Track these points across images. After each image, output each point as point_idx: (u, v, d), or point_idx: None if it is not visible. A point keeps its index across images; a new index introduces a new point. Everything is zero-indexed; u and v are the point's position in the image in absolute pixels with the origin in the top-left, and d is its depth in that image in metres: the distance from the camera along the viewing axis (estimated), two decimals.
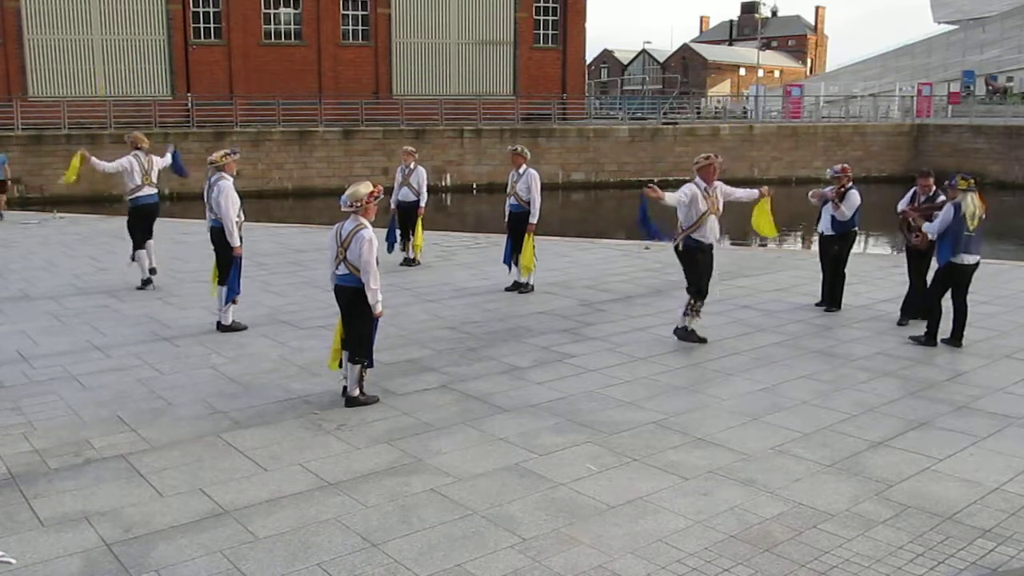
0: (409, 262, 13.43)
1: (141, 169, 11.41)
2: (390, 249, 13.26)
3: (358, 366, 7.03)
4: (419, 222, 13.41)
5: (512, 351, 8.71)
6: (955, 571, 4.56)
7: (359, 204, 6.77)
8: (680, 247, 8.93)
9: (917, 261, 9.86)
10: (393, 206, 13.37)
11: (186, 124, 34.07)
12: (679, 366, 8.22)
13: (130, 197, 11.52)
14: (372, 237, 6.79)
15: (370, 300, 6.86)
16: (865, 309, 10.45)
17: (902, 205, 9.93)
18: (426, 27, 42.72)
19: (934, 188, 9.73)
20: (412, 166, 13.36)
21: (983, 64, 63.19)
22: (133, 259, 11.76)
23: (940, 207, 9.32)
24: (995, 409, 7.01)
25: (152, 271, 11.79)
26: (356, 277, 6.82)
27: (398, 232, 13.44)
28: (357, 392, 7.07)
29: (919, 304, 9.65)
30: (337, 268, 6.92)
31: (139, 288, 11.61)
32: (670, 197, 8.65)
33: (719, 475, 5.73)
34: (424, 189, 13.35)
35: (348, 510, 5.20)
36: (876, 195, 15.05)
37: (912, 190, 9.93)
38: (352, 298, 6.91)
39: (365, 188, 6.83)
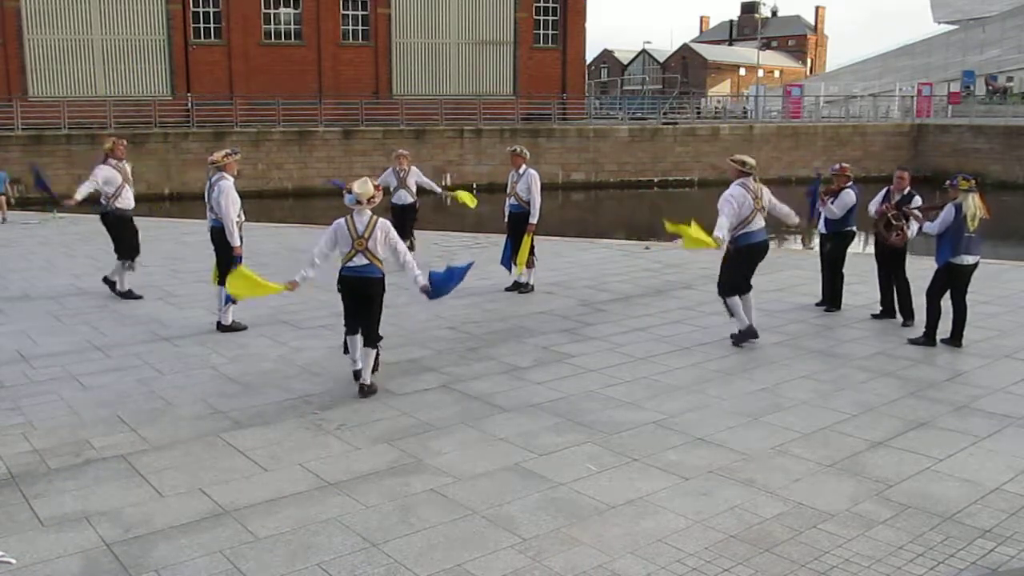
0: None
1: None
2: None
3: (375, 350, 7.35)
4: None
5: (512, 351, 8.71)
6: (955, 571, 4.56)
7: (372, 200, 7.18)
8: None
9: (895, 259, 9.80)
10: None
11: (186, 124, 34.09)
12: (679, 366, 8.21)
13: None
14: (388, 223, 7.32)
15: (415, 274, 7.35)
16: (865, 309, 10.44)
17: (874, 205, 9.88)
18: (426, 27, 42.73)
19: (909, 187, 9.70)
20: (407, 168, 13.39)
21: (983, 64, 63.20)
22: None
23: (929, 209, 9.31)
24: (995, 409, 7.01)
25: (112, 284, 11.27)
26: (376, 267, 7.20)
27: None
28: (370, 380, 7.34)
29: (910, 302, 9.68)
30: (351, 261, 7.20)
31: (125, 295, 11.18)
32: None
33: (719, 475, 5.73)
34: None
35: (348, 510, 5.20)
36: (876, 195, 15.07)
37: (886, 189, 9.90)
38: (372, 286, 7.26)
39: (371, 186, 7.22)
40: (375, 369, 7.41)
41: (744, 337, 8.91)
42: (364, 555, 4.69)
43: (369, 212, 7.20)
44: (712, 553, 4.72)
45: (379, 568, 4.56)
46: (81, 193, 10.97)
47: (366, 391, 7.29)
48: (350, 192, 7.14)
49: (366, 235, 7.13)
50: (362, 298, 7.29)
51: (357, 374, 7.44)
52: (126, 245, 11.10)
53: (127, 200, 11.09)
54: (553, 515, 5.15)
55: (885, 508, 5.26)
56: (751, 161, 8.97)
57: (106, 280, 11.29)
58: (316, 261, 7.38)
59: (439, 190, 13.78)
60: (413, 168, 13.50)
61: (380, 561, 4.62)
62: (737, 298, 8.90)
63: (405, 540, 4.85)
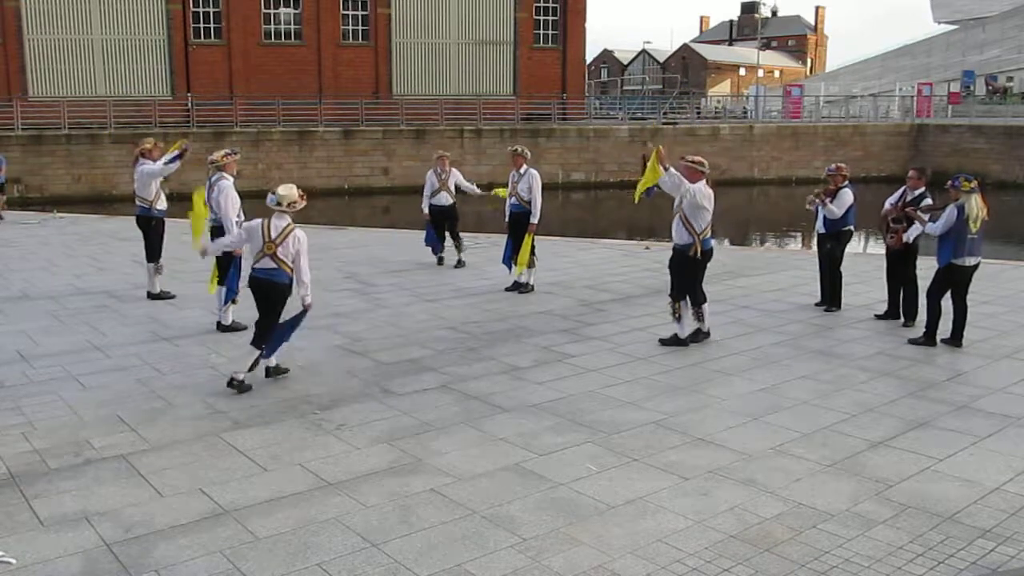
0: (459, 263, 13.51)
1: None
2: (435, 251, 13.68)
3: (259, 352, 7.42)
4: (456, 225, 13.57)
5: (512, 351, 8.70)
6: (955, 571, 4.56)
7: (292, 205, 7.26)
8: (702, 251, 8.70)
9: (903, 261, 9.75)
10: (426, 211, 13.47)
11: (186, 124, 34.07)
12: (679, 366, 8.21)
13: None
14: (304, 236, 7.33)
15: (303, 292, 7.31)
16: (865, 309, 10.45)
17: (888, 203, 9.84)
18: (426, 27, 42.72)
19: (923, 188, 9.63)
20: (448, 169, 13.41)
21: (983, 64, 63.19)
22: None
23: (930, 209, 9.29)
24: (995, 409, 7.01)
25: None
26: (282, 272, 7.24)
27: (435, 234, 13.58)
28: (243, 376, 7.37)
29: (915, 304, 9.67)
30: (259, 263, 7.29)
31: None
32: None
33: (719, 475, 5.73)
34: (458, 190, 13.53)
35: (348, 510, 5.20)
36: (876, 195, 15.10)
37: (902, 189, 9.87)
38: (276, 290, 7.31)
39: (296, 191, 7.34)
40: (251, 369, 7.44)
41: (685, 342, 8.86)
42: (364, 555, 4.69)
43: (288, 219, 7.24)
44: (712, 553, 4.72)
45: (379, 568, 4.56)
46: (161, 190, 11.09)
47: (234, 384, 7.34)
48: (273, 194, 7.30)
49: (277, 240, 7.18)
50: (265, 300, 7.37)
51: (268, 369, 7.61)
52: (158, 248, 11.14)
53: (164, 202, 11.18)
54: (553, 515, 5.15)
55: (885, 508, 5.26)
56: (706, 162, 8.82)
57: (156, 296, 11.12)
58: (232, 232, 7.68)
59: (478, 191, 13.62)
60: (453, 170, 13.57)
61: (380, 561, 4.62)
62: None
63: (405, 540, 4.85)
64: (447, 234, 13.53)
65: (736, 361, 8.37)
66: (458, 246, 13.54)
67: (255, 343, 7.41)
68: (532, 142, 32.52)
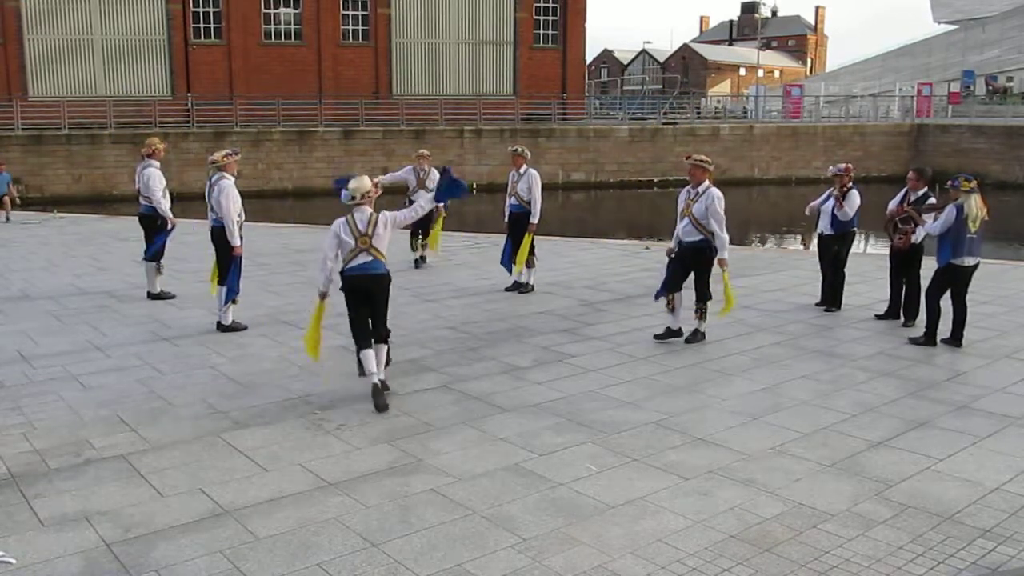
0: (419, 261, 13.46)
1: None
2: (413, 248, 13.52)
3: (387, 345, 7.25)
4: (439, 223, 13.39)
5: (512, 351, 8.71)
6: (955, 571, 4.56)
7: (367, 196, 6.97)
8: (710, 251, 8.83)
9: (908, 261, 9.77)
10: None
11: (186, 124, 34.08)
12: (679, 366, 8.21)
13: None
14: (389, 213, 7.18)
15: (422, 202, 7.43)
16: (865, 309, 10.45)
17: (892, 204, 9.85)
18: (426, 27, 42.75)
19: (925, 189, 9.63)
20: (428, 168, 13.31)
21: (983, 64, 63.19)
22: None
23: (930, 209, 9.29)
24: (995, 409, 7.01)
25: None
26: (381, 262, 6.99)
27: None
28: (382, 377, 7.18)
29: (916, 304, 9.66)
30: (355, 260, 6.93)
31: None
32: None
33: (719, 475, 5.73)
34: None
35: (348, 510, 5.20)
36: (876, 195, 15.15)
37: (904, 189, 9.87)
38: (380, 282, 7.03)
39: (368, 181, 7.08)
40: (387, 364, 7.33)
41: (679, 333, 9.04)
42: (364, 555, 4.69)
43: (369, 209, 6.97)
44: (712, 553, 4.72)
45: (379, 568, 4.56)
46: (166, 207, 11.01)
47: (384, 387, 7.13)
48: (346, 190, 6.96)
49: (369, 232, 6.91)
50: (371, 297, 7.04)
51: (381, 386, 7.09)
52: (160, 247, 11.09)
53: (168, 202, 11.11)
54: (553, 515, 5.15)
55: (885, 508, 5.26)
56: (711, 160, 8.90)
57: (156, 296, 11.12)
58: (328, 265, 7.14)
59: (438, 211, 13.29)
60: (434, 170, 13.35)
61: (380, 561, 4.62)
62: None
63: (405, 540, 4.85)
64: (419, 232, 13.33)
65: (736, 361, 8.37)
66: (423, 243, 13.37)
67: (381, 340, 7.14)
68: (532, 142, 32.54)
